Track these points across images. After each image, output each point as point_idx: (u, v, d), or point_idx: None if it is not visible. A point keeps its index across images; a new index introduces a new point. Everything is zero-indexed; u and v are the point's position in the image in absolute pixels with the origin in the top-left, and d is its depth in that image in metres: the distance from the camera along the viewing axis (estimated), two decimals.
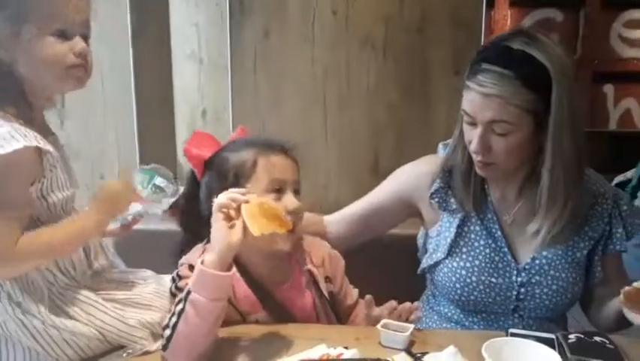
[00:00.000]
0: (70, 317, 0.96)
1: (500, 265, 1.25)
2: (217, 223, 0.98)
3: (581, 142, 1.15)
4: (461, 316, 1.31)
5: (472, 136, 1.16)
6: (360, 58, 1.90)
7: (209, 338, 0.99)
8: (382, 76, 1.90)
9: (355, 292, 1.32)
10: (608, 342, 1.00)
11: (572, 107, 1.12)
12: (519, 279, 1.24)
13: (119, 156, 1.83)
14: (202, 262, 0.96)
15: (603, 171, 1.32)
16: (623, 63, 4.10)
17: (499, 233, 1.26)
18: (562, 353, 0.93)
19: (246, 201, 0.98)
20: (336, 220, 1.43)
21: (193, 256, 1.15)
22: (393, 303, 1.14)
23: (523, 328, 1.22)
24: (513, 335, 1.04)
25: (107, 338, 0.99)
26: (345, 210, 1.43)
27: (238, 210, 0.98)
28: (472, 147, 1.17)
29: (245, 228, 0.96)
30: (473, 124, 1.16)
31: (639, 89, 4.17)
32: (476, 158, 1.19)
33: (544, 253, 1.24)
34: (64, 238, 0.94)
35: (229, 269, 0.97)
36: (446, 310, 1.34)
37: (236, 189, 1.02)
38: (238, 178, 1.14)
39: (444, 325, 1.33)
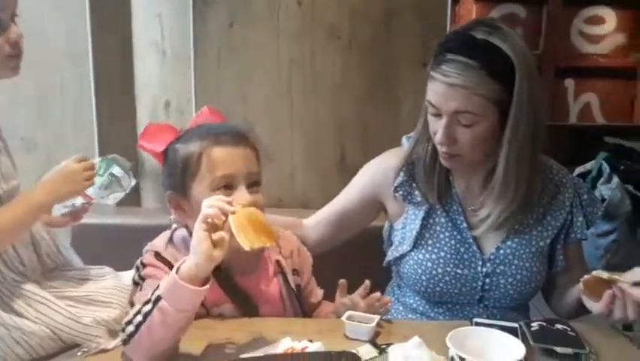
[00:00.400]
0: (20, 315, 0.92)
1: (466, 256, 1.26)
2: (200, 234, 0.90)
3: (539, 132, 1.16)
4: (427, 307, 1.31)
5: (437, 127, 1.16)
6: (325, 49, 1.88)
7: (173, 340, 0.95)
8: (348, 68, 1.89)
9: (320, 292, 1.31)
10: (569, 329, 1.01)
11: (534, 97, 1.12)
12: (484, 269, 1.25)
13: (76, 148, 1.76)
14: (177, 271, 0.90)
15: (564, 164, 1.33)
16: (583, 58, 4.20)
17: (464, 224, 1.26)
18: (525, 341, 0.94)
19: (233, 212, 0.92)
20: (313, 225, 1.42)
21: (159, 242, 1.11)
22: (367, 282, 1.14)
23: (488, 317, 1.23)
24: (477, 324, 1.04)
25: (61, 337, 0.95)
26: (320, 214, 1.43)
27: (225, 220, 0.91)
28: (437, 138, 1.16)
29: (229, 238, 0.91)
30: (438, 115, 1.15)
31: (598, 84, 4.28)
32: (441, 149, 1.18)
33: (509, 243, 1.25)
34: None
35: (206, 282, 0.91)
36: (411, 301, 1.34)
37: (222, 197, 0.96)
38: (185, 174, 1.09)
39: (409, 316, 1.33)
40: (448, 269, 1.25)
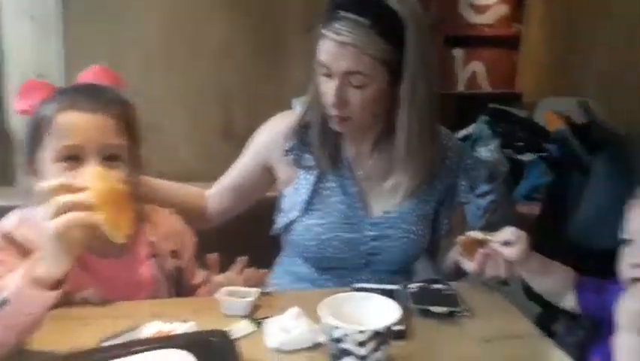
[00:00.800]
0: None
1: (354, 220, 1.24)
2: (48, 233, 0.76)
3: (434, 95, 1.16)
4: (315, 274, 1.29)
5: (328, 89, 1.13)
6: (207, 11, 1.77)
7: (14, 343, 0.81)
8: (233, 30, 1.80)
9: (203, 273, 1.23)
10: (447, 288, 1.03)
11: (426, 59, 1.12)
12: (371, 233, 1.24)
13: None
14: (26, 272, 0.77)
15: (451, 130, 1.35)
16: (470, 28, 4.36)
17: (353, 189, 1.25)
18: (404, 303, 0.93)
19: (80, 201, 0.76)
20: (213, 195, 1.36)
21: (7, 222, 0.98)
22: (242, 258, 1.09)
23: (375, 281, 1.22)
24: (357, 289, 1.02)
25: None
26: (220, 183, 1.37)
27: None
28: (328, 100, 1.13)
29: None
30: (328, 75, 1.12)
31: (485, 53, 4.47)
32: (332, 112, 1.15)
33: (396, 207, 1.25)
34: None
35: (59, 285, 0.79)
36: (300, 269, 1.31)
37: (66, 180, 0.80)
38: (33, 141, 0.96)
39: (297, 285, 1.31)
40: (337, 234, 1.23)
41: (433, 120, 1.19)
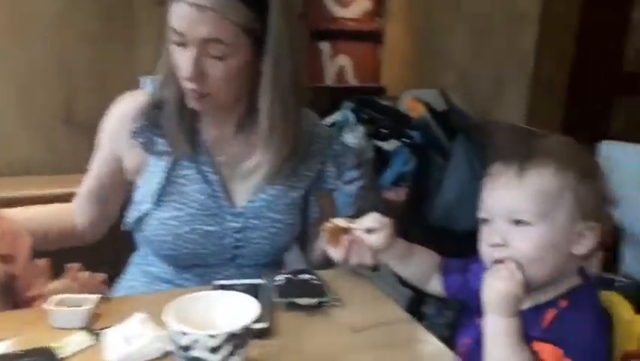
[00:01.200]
0: None
1: (215, 211, 1.13)
2: None
3: (299, 72, 1.09)
4: (174, 273, 1.16)
5: (183, 60, 1.00)
6: None
7: None
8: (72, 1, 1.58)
9: (41, 281, 1.05)
10: (314, 278, 0.97)
11: (290, 32, 1.05)
12: (235, 224, 1.14)
13: None
14: None
15: None
16: (335, 22, 4.41)
17: (213, 176, 1.14)
18: (269, 297, 0.88)
19: None
20: (76, 207, 1.20)
21: None
22: (74, 266, 0.94)
23: (242, 277, 1.13)
24: (218, 287, 0.92)
25: None
26: (80, 191, 1.20)
27: None
28: (184, 72, 1.01)
29: None
30: (183, 44, 1.00)
31: (351, 47, 4.56)
32: (189, 87, 1.03)
33: (262, 195, 1.16)
34: None
35: None
36: (156, 269, 1.18)
37: None
38: None
39: (154, 287, 1.17)
40: (196, 227, 1.11)
41: (298, 99, 1.12)
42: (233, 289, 0.86)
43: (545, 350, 0.73)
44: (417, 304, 1.80)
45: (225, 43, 0.99)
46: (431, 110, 1.87)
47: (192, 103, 1.06)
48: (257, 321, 0.73)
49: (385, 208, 2.17)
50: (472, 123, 1.79)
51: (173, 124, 1.10)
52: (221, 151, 1.16)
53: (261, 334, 0.81)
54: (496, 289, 0.77)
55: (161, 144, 1.12)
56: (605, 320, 0.79)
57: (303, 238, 1.27)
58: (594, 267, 0.85)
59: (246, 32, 1.01)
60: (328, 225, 1.00)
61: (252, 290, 0.88)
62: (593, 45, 3.40)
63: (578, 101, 3.23)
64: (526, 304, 0.80)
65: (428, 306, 1.59)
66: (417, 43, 4.24)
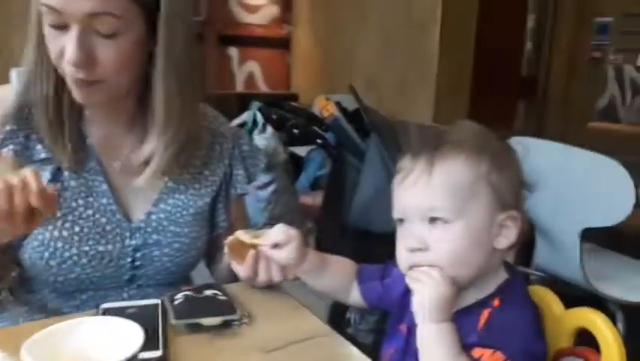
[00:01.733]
0: None
1: (109, 228, 0.98)
2: None
3: (194, 53, 0.98)
4: (60, 301, 1.00)
5: (65, 43, 0.85)
6: None
7: None
8: None
9: None
10: (220, 294, 0.85)
11: (185, 7, 0.94)
12: (133, 242, 0.99)
13: None
14: None
15: None
16: (243, 27, 4.33)
17: (104, 186, 0.98)
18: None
19: None
20: None
21: None
22: None
23: (143, 298, 0.98)
24: (106, 311, 0.78)
25: None
26: None
27: None
28: (68, 56, 0.85)
29: None
30: (62, 26, 0.84)
31: (259, 53, 4.49)
32: (75, 75, 0.87)
33: (162, 206, 1.02)
34: None
35: None
36: (39, 297, 1.01)
37: None
38: None
39: (35, 316, 1.00)
40: (86, 248, 0.96)
41: (194, 81, 1.00)
42: (123, 313, 0.73)
43: (485, 355, 0.67)
44: (340, 311, 1.73)
45: (116, 16, 0.85)
46: (342, 109, 1.81)
47: (78, 95, 0.90)
48: (147, 349, 0.60)
49: (302, 213, 2.09)
50: (385, 122, 1.75)
51: (49, 127, 0.94)
52: (113, 155, 1.01)
53: None
54: (426, 295, 0.69)
55: (38, 151, 0.96)
56: (539, 315, 0.74)
57: (211, 250, 1.13)
58: (509, 260, 0.80)
59: (137, 4, 0.87)
60: (230, 239, 0.89)
61: (146, 313, 0.74)
62: (492, 50, 3.56)
63: (481, 102, 3.36)
64: (457, 307, 0.74)
65: (352, 312, 1.53)
66: (325, 50, 4.24)
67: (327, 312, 1.70)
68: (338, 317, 1.73)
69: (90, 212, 0.97)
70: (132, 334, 0.56)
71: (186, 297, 0.81)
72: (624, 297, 1.62)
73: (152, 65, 0.93)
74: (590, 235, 1.66)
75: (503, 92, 3.80)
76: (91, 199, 0.98)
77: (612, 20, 3.50)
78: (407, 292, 0.83)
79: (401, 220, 0.76)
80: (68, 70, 0.87)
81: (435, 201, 0.71)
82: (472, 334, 0.70)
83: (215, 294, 0.83)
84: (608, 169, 1.53)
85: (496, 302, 0.72)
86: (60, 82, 0.91)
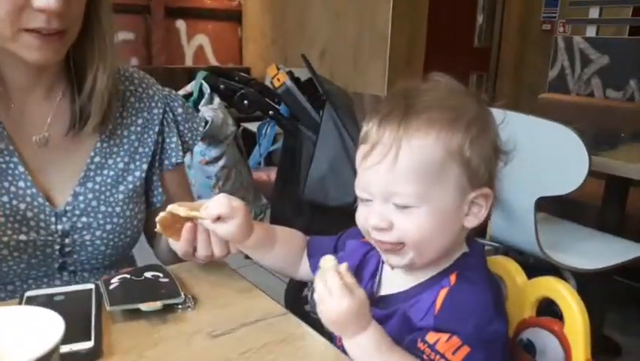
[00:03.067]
0: None
1: (30, 215, 0.87)
2: None
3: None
4: None
5: None
6: None
7: None
8: None
9: None
10: (161, 275, 0.77)
11: None
12: (59, 227, 0.89)
13: None
14: None
15: None
16: (192, 0, 4.18)
17: (20, 168, 0.87)
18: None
19: None
20: None
21: None
22: None
23: (76, 284, 0.89)
24: (30, 299, 0.69)
25: None
26: None
27: None
28: (44, 2, 0.76)
29: None
30: None
31: (209, 26, 4.33)
32: (45, 26, 0.78)
33: (90, 185, 0.92)
34: None
35: None
36: None
37: None
38: None
39: None
40: (5, 239, 0.85)
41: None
42: (49, 301, 0.65)
43: (441, 340, 0.62)
44: (297, 288, 1.67)
45: None
46: (295, 79, 1.72)
47: (39, 53, 0.80)
48: (77, 340, 0.53)
49: (255, 190, 2.02)
50: (340, 91, 1.69)
51: None
52: (33, 129, 0.90)
53: (88, 356, 0.60)
54: (329, 318, 0.64)
55: None
56: (498, 290, 0.70)
57: (151, 228, 1.02)
58: None
59: None
60: (162, 214, 0.80)
61: (77, 299, 0.66)
62: (444, 22, 3.54)
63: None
64: (412, 283, 0.69)
65: (310, 289, 1.48)
66: (277, 22, 4.13)
67: (282, 291, 1.64)
68: (296, 294, 1.67)
69: (5, 199, 0.86)
70: (52, 324, 0.48)
71: (123, 280, 0.72)
72: (578, 265, 1.64)
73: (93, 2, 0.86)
74: (544, 204, 1.66)
75: (456, 63, 3.81)
76: (6, 184, 0.87)
77: None
78: (362, 266, 0.78)
79: (364, 199, 0.70)
80: (35, 22, 0.77)
81: (399, 187, 0.65)
82: (428, 315, 0.65)
83: (156, 276, 0.75)
84: (562, 137, 1.52)
85: (452, 278, 0.68)
86: None
